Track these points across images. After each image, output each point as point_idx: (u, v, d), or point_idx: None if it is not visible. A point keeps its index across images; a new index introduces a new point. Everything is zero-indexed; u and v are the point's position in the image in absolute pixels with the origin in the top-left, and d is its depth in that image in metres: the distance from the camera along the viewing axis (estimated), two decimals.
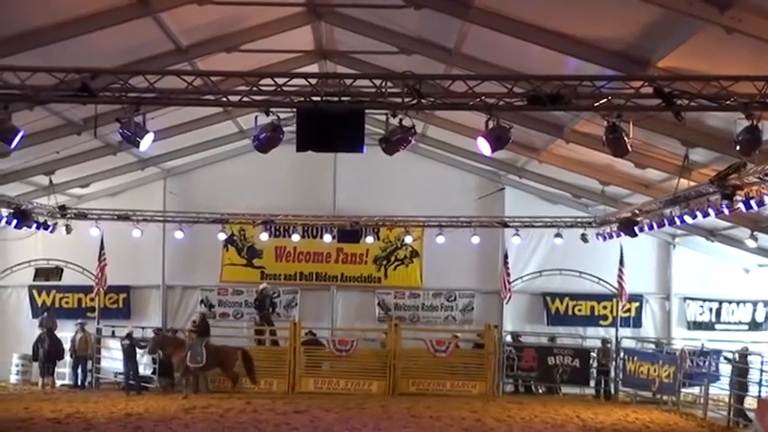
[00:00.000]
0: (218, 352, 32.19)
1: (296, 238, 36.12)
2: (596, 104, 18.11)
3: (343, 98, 18.02)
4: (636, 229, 30.11)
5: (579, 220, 35.03)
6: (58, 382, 34.64)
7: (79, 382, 34.45)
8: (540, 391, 35.60)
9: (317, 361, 34.39)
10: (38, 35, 18.93)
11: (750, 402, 27.67)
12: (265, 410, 28.01)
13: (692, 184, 24.81)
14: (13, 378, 35.32)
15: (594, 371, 35.09)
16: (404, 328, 35.27)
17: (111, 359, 34.80)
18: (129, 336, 33.08)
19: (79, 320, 35.22)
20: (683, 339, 35.07)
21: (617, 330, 35.16)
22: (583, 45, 19.18)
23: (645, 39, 18.13)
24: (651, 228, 29.77)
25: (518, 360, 35.06)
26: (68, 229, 33.88)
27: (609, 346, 34.81)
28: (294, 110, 18.42)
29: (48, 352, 34.10)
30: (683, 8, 15.65)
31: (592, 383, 35.15)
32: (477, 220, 35.16)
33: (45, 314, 35.14)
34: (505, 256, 35.70)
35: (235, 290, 37.42)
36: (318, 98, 17.98)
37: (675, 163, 24.58)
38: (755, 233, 30.16)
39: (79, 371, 34.63)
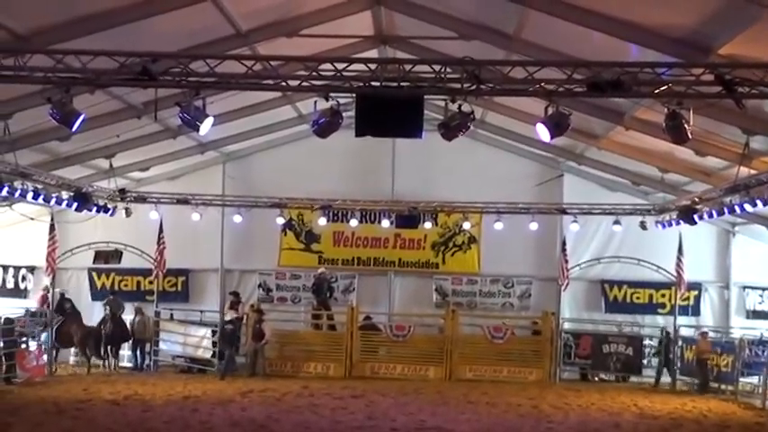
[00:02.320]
0: (67, 332, 33.65)
1: (354, 223, 35.98)
2: (656, 91, 18.02)
3: (402, 83, 18.07)
4: (695, 217, 29.93)
5: (638, 207, 34.71)
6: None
7: (138, 365, 34.79)
8: (596, 379, 35.41)
9: (373, 346, 34.51)
10: (99, 19, 19.02)
11: None
12: (322, 395, 28.11)
13: (753, 172, 24.57)
14: (72, 359, 35.61)
15: (655, 360, 34.70)
16: (461, 314, 35.22)
17: (170, 342, 35.22)
18: (231, 321, 33.78)
19: (136, 304, 35.63)
20: (741, 328, 34.67)
21: (675, 319, 34.76)
22: (644, 31, 18.96)
23: (706, 25, 17.90)
24: (711, 216, 29.51)
25: (575, 347, 34.97)
26: (128, 213, 34.10)
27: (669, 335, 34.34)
28: (353, 95, 18.54)
29: (110, 334, 34.30)
30: None
31: (645, 372, 34.89)
32: (536, 206, 34.84)
33: (111, 297, 35.51)
34: (563, 243, 35.36)
35: (293, 274, 37.44)
36: (378, 83, 18.05)
37: (736, 151, 24.27)
38: None
39: (137, 353, 34.99)
